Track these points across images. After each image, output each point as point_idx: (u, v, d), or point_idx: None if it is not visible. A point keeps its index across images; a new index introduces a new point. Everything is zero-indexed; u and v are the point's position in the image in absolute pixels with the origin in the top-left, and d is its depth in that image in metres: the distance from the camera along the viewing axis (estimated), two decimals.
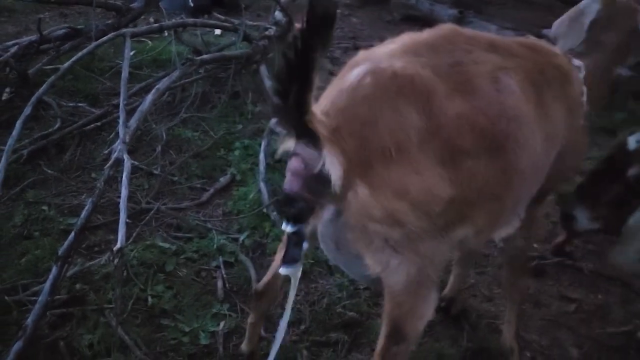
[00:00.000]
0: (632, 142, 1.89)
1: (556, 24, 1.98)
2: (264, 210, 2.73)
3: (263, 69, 3.83)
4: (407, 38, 1.51)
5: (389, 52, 1.45)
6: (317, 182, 1.25)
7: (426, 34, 1.51)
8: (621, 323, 2.31)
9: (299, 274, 1.35)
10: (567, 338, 2.23)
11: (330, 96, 1.35)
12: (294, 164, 1.27)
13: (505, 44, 1.58)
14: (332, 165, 1.23)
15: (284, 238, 1.75)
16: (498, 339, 2.18)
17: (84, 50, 3.18)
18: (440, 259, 1.41)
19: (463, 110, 1.36)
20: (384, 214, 1.28)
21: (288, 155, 1.30)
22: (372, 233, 1.30)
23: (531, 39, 1.76)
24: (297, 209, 1.28)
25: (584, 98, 1.76)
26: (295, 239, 1.31)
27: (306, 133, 1.22)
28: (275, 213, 2.71)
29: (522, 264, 1.99)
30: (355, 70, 1.37)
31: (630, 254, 1.86)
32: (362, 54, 1.49)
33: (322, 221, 1.36)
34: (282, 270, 1.33)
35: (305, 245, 1.33)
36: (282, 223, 1.33)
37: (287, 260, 1.32)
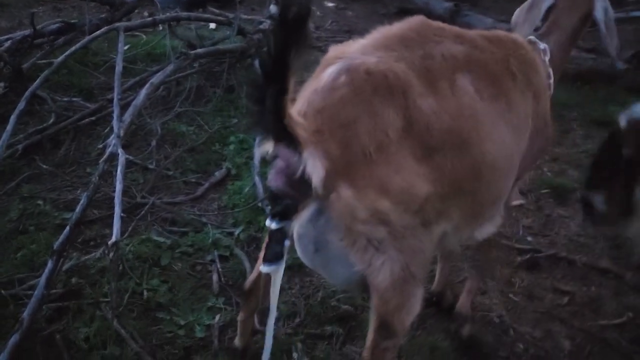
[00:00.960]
0: (623, 119, 1.91)
1: (517, 12, 2.09)
2: (259, 204, 2.74)
3: (257, 62, 3.82)
4: (378, 33, 1.51)
5: (361, 48, 1.45)
6: (301, 182, 1.26)
7: (397, 27, 1.52)
8: (614, 315, 2.33)
9: (282, 270, 1.34)
10: (560, 330, 2.25)
11: (306, 96, 1.35)
12: (278, 162, 1.28)
13: (470, 36, 1.60)
14: (314, 168, 1.23)
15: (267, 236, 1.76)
16: (492, 332, 2.21)
17: (78, 45, 3.18)
18: (423, 256, 1.43)
19: (432, 107, 1.39)
20: (368, 214, 1.29)
21: (269, 155, 1.30)
22: (356, 233, 1.31)
23: (496, 31, 1.79)
24: (283, 205, 1.29)
25: (551, 81, 1.82)
26: (278, 236, 1.31)
27: (285, 136, 1.22)
28: (270, 207, 2.72)
29: (491, 248, 2.09)
30: (329, 69, 1.37)
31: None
32: (334, 51, 1.49)
33: (300, 222, 1.35)
34: (264, 269, 1.33)
35: (287, 242, 1.32)
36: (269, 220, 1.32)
37: (268, 258, 1.32)
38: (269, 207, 2.65)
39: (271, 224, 1.30)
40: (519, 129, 1.65)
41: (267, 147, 1.29)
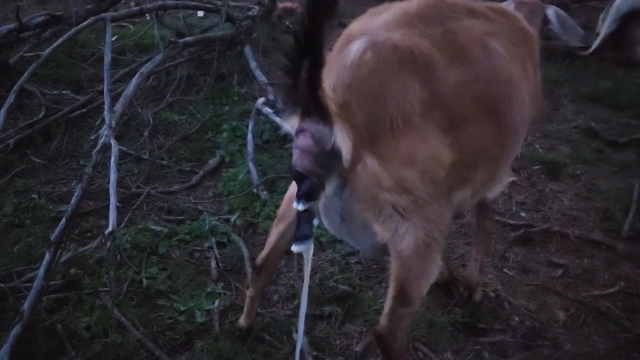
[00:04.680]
0: None
1: None
2: (254, 190, 2.75)
3: (247, 49, 3.81)
4: (397, 8, 1.53)
5: (384, 24, 1.47)
6: (328, 157, 1.28)
7: (414, 4, 1.54)
8: (606, 285, 2.37)
9: (312, 249, 1.38)
10: (555, 302, 2.29)
11: (334, 72, 1.37)
12: (302, 141, 1.29)
13: (481, 10, 1.64)
14: (343, 141, 1.26)
15: (279, 213, 1.79)
16: (487, 306, 2.24)
17: (64, 37, 3.16)
18: (445, 222, 1.47)
19: (460, 78, 1.42)
20: (393, 183, 1.33)
21: (294, 132, 1.31)
22: (382, 202, 1.35)
23: (497, 4, 1.83)
24: (308, 186, 1.30)
25: None
26: (306, 217, 1.33)
27: (316, 109, 1.24)
28: (265, 192, 2.74)
29: (487, 210, 2.15)
30: (355, 45, 1.39)
31: None
32: (356, 26, 1.51)
33: (325, 195, 1.37)
34: (295, 248, 1.35)
35: (315, 221, 1.35)
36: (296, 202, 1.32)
37: (299, 238, 1.34)
38: (264, 193, 2.71)
39: (298, 205, 1.31)
40: (529, 95, 1.71)
41: (292, 122, 1.30)
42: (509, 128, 1.54)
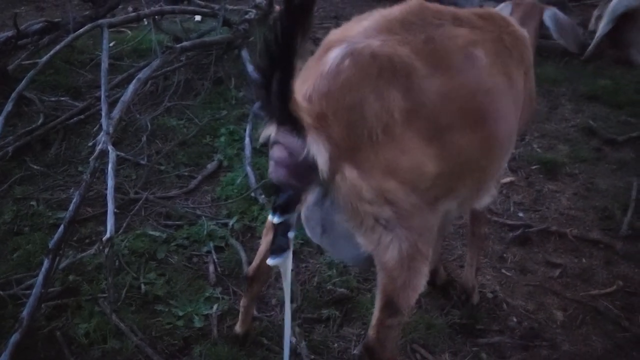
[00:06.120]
0: None
1: None
2: (252, 194, 2.75)
3: (245, 53, 3.82)
4: (379, 15, 1.51)
5: (364, 31, 1.45)
6: (303, 169, 1.26)
7: (396, 10, 1.52)
8: (605, 285, 2.37)
9: (290, 261, 1.35)
10: (553, 302, 2.29)
11: (311, 81, 1.35)
12: (277, 152, 1.28)
13: (467, 17, 1.62)
14: (318, 152, 1.24)
15: (267, 223, 1.79)
16: (486, 307, 2.24)
17: (62, 43, 3.16)
18: (430, 233, 1.46)
19: (442, 87, 1.40)
20: (374, 194, 1.31)
21: (270, 142, 1.30)
22: (363, 213, 1.33)
23: (486, 9, 1.82)
24: (284, 198, 1.29)
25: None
26: (282, 229, 1.32)
27: (289, 121, 1.22)
28: (263, 196, 2.74)
29: (481, 215, 2.16)
30: (333, 53, 1.37)
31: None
32: (335, 34, 1.49)
33: (306, 205, 1.37)
34: (270, 262, 1.34)
35: (291, 234, 1.33)
36: (271, 214, 1.31)
37: (274, 251, 1.33)
38: (262, 197, 2.72)
39: (273, 218, 1.30)
40: (518, 104, 1.70)
41: (269, 131, 1.29)
42: (494, 138, 1.53)
